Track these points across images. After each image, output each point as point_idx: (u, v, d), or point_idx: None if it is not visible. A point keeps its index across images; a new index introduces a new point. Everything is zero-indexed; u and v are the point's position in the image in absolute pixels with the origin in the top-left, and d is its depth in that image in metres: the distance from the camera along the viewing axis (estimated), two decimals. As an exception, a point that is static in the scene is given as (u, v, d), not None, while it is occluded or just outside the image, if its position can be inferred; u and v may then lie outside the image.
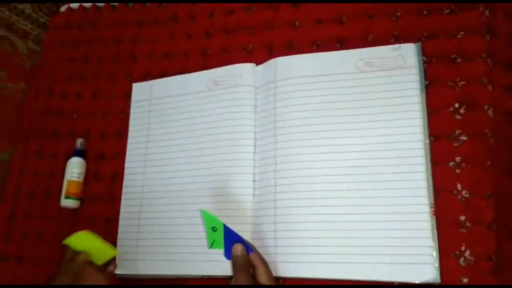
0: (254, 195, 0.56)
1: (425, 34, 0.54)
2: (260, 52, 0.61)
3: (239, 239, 0.50)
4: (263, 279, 0.48)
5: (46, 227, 0.66)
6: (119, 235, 0.60)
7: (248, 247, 0.50)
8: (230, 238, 0.50)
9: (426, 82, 0.52)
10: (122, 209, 0.62)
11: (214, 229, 0.51)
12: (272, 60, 0.58)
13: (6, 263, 0.66)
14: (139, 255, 0.58)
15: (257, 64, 0.60)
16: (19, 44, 0.79)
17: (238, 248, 0.49)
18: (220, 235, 0.51)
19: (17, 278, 0.65)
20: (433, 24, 0.54)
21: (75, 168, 0.65)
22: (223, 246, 0.51)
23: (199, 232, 0.56)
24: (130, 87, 0.67)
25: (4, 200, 0.70)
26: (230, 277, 0.53)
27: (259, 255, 0.50)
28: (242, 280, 0.47)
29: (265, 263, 0.49)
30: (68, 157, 0.66)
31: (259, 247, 0.52)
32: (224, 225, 0.49)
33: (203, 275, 0.55)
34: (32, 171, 0.70)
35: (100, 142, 0.67)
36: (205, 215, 0.50)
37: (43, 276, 0.63)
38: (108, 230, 0.62)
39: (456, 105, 0.51)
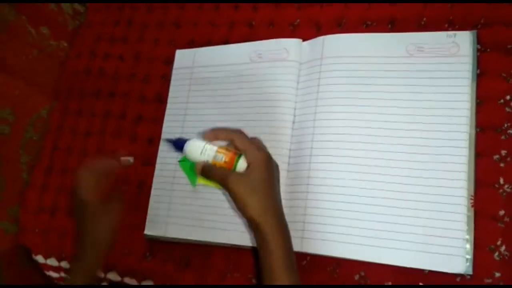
0: (288, 171, 0.56)
1: (482, 21, 0.52)
2: (307, 28, 0.60)
3: None
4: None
5: (81, 183, 0.68)
6: (152, 198, 0.62)
7: None
8: None
9: (478, 71, 0.51)
10: (156, 173, 0.63)
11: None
12: (320, 38, 0.57)
13: (40, 215, 0.69)
14: (170, 219, 0.60)
15: (303, 40, 0.59)
16: (64, 4, 0.80)
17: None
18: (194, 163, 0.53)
19: (50, 229, 0.67)
20: (491, 12, 0.52)
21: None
22: (190, 174, 0.55)
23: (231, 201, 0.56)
24: (173, 53, 0.67)
25: (41, 155, 0.72)
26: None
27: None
28: None
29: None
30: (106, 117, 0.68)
31: (288, 221, 0.53)
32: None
33: (232, 244, 0.55)
34: (70, 129, 0.72)
35: (139, 105, 0.68)
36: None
37: (74, 229, 0.65)
38: (141, 192, 0.63)
39: (508, 97, 0.49)
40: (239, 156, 0.49)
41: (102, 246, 0.52)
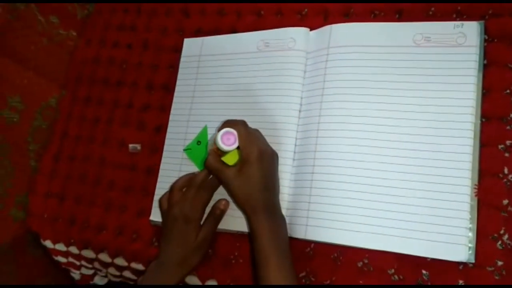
0: (293, 159, 0.56)
1: (490, 11, 0.52)
2: (314, 18, 0.61)
3: None
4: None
5: (89, 169, 0.69)
6: (158, 185, 0.62)
7: None
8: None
9: (485, 62, 0.51)
10: (163, 160, 0.63)
11: (199, 142, 0.60)
12: (328, 27, 0.57)
13: (48, 199, 0.70)
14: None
15: (311, 29, 0.60)
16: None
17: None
18: (200, 151, 0.59)
19: (58, 215, 0.68)
20: (499, 3, 0.52)
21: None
22: (197, 161, 0.60)
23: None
24: (181, 42, 0.68)
25: (50, 142, 0.73)
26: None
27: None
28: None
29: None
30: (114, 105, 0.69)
31: (292, 209, 0.54)
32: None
33: (237, 230, 0.56)
34: (79, 117, 0.73)
35: (147, 93, 0.68)
36: (204, 129, 0.60)
37: (82, 214, 0.67)
38: (148, 179, 0.64)
39: (514, 88, 0.50)
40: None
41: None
